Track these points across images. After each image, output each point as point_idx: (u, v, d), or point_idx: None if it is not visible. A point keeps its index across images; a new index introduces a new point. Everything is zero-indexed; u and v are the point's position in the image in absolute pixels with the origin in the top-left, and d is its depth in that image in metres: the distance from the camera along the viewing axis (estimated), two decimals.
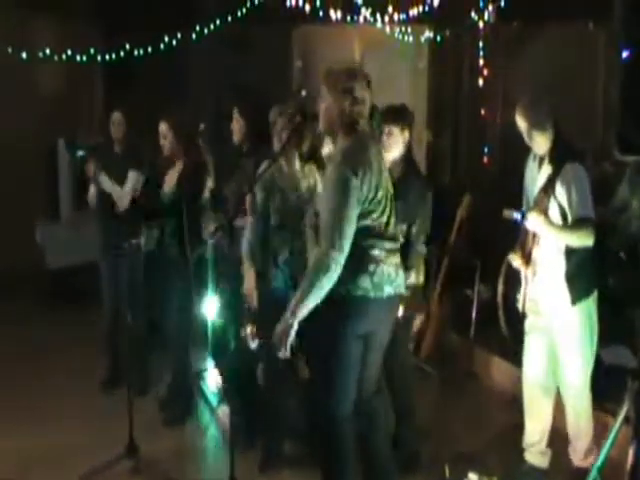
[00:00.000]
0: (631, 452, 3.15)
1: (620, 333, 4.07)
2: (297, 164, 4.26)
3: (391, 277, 3.57)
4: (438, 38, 7.88)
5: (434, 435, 4.74)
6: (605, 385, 4.14)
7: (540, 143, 4.00)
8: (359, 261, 3.47)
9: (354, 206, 3.38)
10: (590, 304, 4.02)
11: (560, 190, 3.88)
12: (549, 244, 3.98)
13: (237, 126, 4.76)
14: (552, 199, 3.90)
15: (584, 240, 3.86)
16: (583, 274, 3.96)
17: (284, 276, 4.23)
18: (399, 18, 7.42)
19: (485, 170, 7.57)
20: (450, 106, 8.03)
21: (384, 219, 3.54)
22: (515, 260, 4.17)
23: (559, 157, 3.93)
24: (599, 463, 3.38)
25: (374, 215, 3.49)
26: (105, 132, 5.58)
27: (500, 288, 5.97)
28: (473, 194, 5.98)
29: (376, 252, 3.50)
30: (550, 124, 3.96)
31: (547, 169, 3.99)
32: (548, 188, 3.92)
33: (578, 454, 4.16)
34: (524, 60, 7.27)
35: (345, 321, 3.51)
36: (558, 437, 4.33)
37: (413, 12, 7.29)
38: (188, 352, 5.10)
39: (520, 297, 4.16)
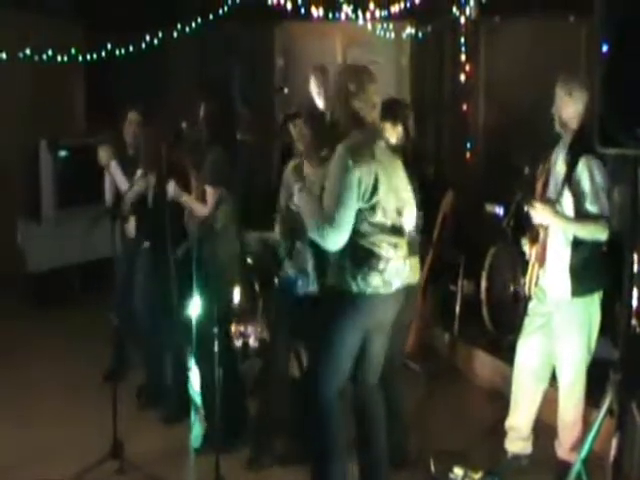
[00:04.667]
0: (614, 444, 3.16)
1: (602, 326, 4.08)
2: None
3: (399, 271, 3.67)
4: (420, 34, 7.90)
5: (419, 430, 4.73)
6: (588, 378, 4.14)
7: (569, 121, 3.96)
8: (369, 260, 3.57)
9: (354, 194, 3.48)
10: (592, 302, 4.01)
11: (575, 182, 3.87)
12: (558, 234, 3.98)
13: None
14: (567, 190, 3.90)
15: (594, 234, 3.88)
16: (588, 269, 3.96)
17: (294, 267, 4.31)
18: (381, 15, 7.44)
19: (468, 165, 7.58)
20: (432, 102, 8.04)
21: (392, 214, 3.61)
22: (525, 244, 4.18)
23: (578, 148, 3.90)
24: (583, 455, 3.39)
25: (378, 212, 3.56)
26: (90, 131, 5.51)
27: (484, 283, 6.03)
28: (456, 190, 5.99)
29: (384, 249, 3.58)
30: (583, 106, 3.93)
31: (565, 159, 3.97)
32: (564, 179, 3.91)
33: (564, 447, 4.15)
34: (506, 55, 7.29)
35: (353, 316, 3.62)
36: (545, 429, 4.33)
37: (394, 9, 7.31)
38: (174, 351, 5.07)
39: (527, 280, 4.16)
